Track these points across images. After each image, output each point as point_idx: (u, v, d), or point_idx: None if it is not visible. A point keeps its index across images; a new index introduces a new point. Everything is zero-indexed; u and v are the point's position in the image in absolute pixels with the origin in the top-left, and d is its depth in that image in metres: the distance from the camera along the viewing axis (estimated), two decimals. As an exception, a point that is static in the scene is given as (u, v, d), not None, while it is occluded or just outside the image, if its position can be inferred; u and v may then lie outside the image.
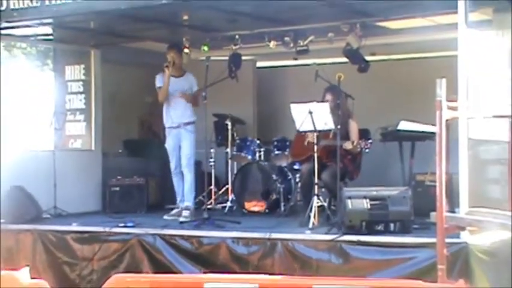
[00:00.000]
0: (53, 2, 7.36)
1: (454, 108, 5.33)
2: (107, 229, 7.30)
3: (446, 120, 5.12)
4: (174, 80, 8.08)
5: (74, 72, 9.32)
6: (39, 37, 9.13)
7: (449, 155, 6.10)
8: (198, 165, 8.82)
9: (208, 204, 8.21)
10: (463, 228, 5.37)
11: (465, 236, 5.69)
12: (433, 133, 5.28)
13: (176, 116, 8.07)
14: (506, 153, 5.14)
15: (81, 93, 9.27)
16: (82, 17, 7.74)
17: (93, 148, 9.26)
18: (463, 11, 5.77)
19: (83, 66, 9.31)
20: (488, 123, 5.80)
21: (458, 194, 5.62)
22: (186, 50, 8.81)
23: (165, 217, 7.98)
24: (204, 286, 4.57)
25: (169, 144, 8.16)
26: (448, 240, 5.24)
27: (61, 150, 8.92)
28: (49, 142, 8.95)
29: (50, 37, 9.11)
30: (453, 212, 5.67)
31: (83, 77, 9.29)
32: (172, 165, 8.15)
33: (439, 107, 4.91)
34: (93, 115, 9.23)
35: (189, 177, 8.04)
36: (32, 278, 5.22)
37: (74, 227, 7.53)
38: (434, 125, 5.23)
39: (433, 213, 5.03)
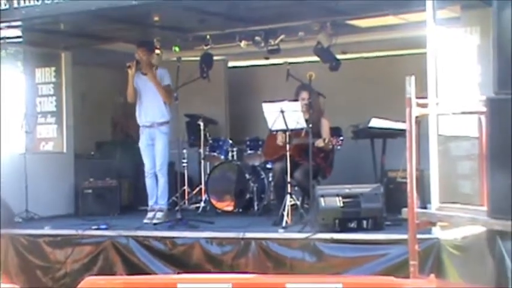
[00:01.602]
0: (22, 4, 7.30)
1: (424, 105, 5.38)
2: (80, 232, 7.25)
3: (416, 117, 5.16)
4: (145, 78, 8.02)
5: (45, 74, 9.25)
6: (8, 40, 9.03)
7: (420, 151, 6.17)
8: (171, 165, 8.78)
9: (182, 205, 8.19)
10: (434, 224, 5.42)
11: (437, 232, 5.75)
12: (404, 130, 5.32)
13: (149, 114, 8.01)
14: (476, 149, 5.20)
15: (52, 95, 9.20)
16: (51, 19, 7.66)
17: (64, 151, 9.19)
18: (431, 8, 5.83)
19: (53, 68, 9.24)
20: (458, 119, 5.87)
21: (429, 190, 5.69)
22: (157, 51, 8.77)
23: (145, 221, 7.89)
24: (177, 286, 4.57)
25: (142, 143, 8.08)
26: (420, 236, 5.28)
27: (32, 153, 8.84)
28: (20, 145, 8.86)
29: (20, 40, 9.02)
30: (425, 207, 5.72)
31: (53, 80, 9.22)
32: (147, 166, 8.05)
33: (409, 104, 4.94)
34: (64, 117, 9.16)
35: (162, 181, 7.99)
36: (3, 283, 5.16)
37: (46, 231, 7.46)
38: (405, 122, 5.28)
39: (404, 210, 5.08)
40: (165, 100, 7.94)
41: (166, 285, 4.85)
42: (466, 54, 6.32)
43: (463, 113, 5.30)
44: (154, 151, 8.01)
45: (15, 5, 7.29)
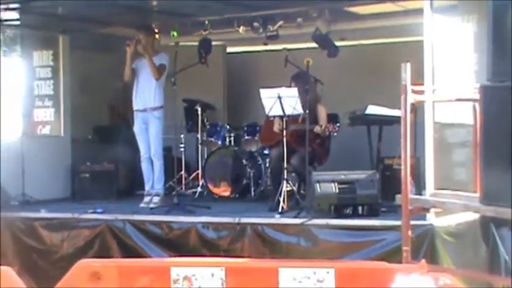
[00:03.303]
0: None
1: (421, 92, 5.39)
2: (76, 215, 7.28)
3: (412, 104, 5.17)
4: (145, 61, 8.01)
5: (43, 58, 9.21)
6: (6, 22, 9.01)
7: (416, 138, 6.19)
8: (168, 150, 8.81)
9: (179, 190, 8.21)
10: (428, 210, 5.46)
11: (431, 218, 5.79)
12: (400, 117, 5.33)
13: (144, 99, 8.02)
14: (471, 136, 5.22)
15: (49, 79, 9.17)
16: (49, 2, 7.65)
17: (62, 134, 9.18)
18: (428, -5, 5.83)
19: (51, 52, 9.20)
20: (454, 107, 5.88)
21: (425, 177, 5.72)
22: (155, 36, 8.75)
23: (141, 205, 7.92)
24: (170, 269, 4.60)
25: (136, 128, 8.10)
26: (414, 222, 5.32)
27: (29, 137, 8.85)
28: (17, 128, 8.86)
29: (18, 22, 9.00)
30: (420, 194, 5.75)
31: (51, 63, 9.19)
32: (142, 150, 8.10)
33: (404, 90, 4.95)
34: (61, 101, 9.14)
35: (158, 164, 8.02)
36: (-1, 265, 5.19)
37: (43, 214, 7.49)
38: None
39: (398, 196, 5.10)
40: (153, 75, 7.90)
41: (159, 268, 4.88)
42: (462, 42, 6.32)
43: (458, 100, 5.31)
44: (148, 136, 8.03)
45: (14, -13, 7.28)
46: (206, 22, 8.89)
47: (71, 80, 9.25)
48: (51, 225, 7.31)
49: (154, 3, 8.03)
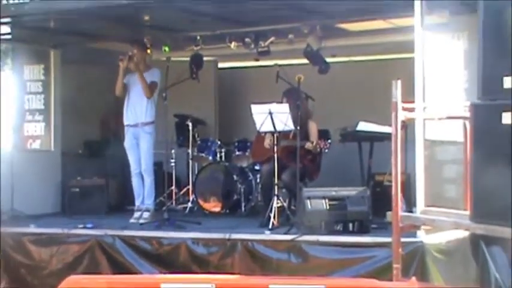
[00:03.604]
0: (11, 1, 7.28)
1: (411, 110, 5.41)
2: (66, 231, 7.23)
3: (403, 121, 5.19)
4: (136, 76, 8.01)
5: (33, 72, 9.19)
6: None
7: (406, 155, 6.20)
8: (159, 166, 8.79)
9: (169, 205, 8.19)
10: (418, 227, 5.46)
11: (421, 235, 5.78)
12: (391, 134, 5.34)
13: (135, 114, 8.00)
14: (462, 153, 5.24)
15: (40, 93, 9.15)
16: (41, 16, 7.64)
17: (52, 149, 9.14)
18: (419, 13, 5.87)
19: (42, 66, 9.18)
20: (445, 124, 5.91)
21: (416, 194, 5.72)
22: (148, 50, 8.77)
23: (131, 221, 7.88)
24: (160, 286, 4.57)
25: (127, 143, 8.07)
26: (404, 239, 5.32)
27: (19, 151, 8.81)
28: (7, 142, 8.81)
29: (9, 36, 8.99)
30: (411, 211, 5.75)
31: (42, 77, 9.17)
32: (132, 166, 8.07)
33: (395, 108, 4.97)
34: (52, 115, 9.11)
35: (148, 180, 7.99)
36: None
37: (32, 229, 7.43)
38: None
39: (389, 213, 5.10)
40: (145, 94, 7.91)
41: (149, 285, 4.86)
42: (453, 60, 6.36)
43: (449, 117, 5.33)
44: (139, 151, 8.01)
45: (5, 1, 7.27)
46: (198, 37, 8.91)
47: (61, 95, 9.23)
48: (40, 240, 7.25)
49: (146, 17, 8.04)
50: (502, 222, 4.32)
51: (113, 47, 9.23)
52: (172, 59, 8.08)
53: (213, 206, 8.60)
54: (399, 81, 5.01)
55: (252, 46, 8.77)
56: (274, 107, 7.15)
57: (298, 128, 7.11)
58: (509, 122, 4.25)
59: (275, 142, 7.22)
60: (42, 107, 9.13)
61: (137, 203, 8.08)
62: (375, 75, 9.27)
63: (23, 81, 9.19)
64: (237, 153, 9.01)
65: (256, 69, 10.18)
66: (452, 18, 6.36)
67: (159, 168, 8.73)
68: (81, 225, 7.35)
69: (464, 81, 6.31)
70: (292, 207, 7.53)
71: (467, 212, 4.61)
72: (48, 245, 7.19)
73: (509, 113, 4.25)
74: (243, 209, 8.43)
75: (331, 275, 5.96)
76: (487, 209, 4.38)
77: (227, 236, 6.55)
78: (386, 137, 7.05)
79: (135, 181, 8.07)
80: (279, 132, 7.21)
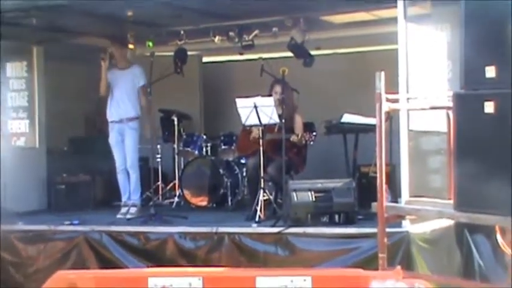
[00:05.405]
0: (-8, -2, 7.24)
1: (395, 101, 5.45)
2: (52, 227, 7.22)
3: (387, 112, 5.22)
4: (119, 72, 8.04)
5: (16, 69, 9.14)
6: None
7: (391, 146, 6.25)
8: (145, 161, 8.78)
9: (156, 200, 8.19)
10: (403, 217, 5.50)
11: (406, 225, 5.83)
12: (376, 125, 5.37)
13: (119, 110, 8.00)
14: (445, 143, 5.29)
15: (23, 90, 9.10)
16: (23, 13, 7.60)
17: (37, 146, 9.11)
18: (401, 5, 5.90)
19: (25, 63, 9.13)
20: (429, 115, 5.96)
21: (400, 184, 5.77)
22: (130, 46, 8.75)
23: (118, 216, 7.88)
24: (148, 280, 4.59)
25: (112, 139, 8.07)
26: (389, 229, 5.36)
27: (4, 149, 8.76)
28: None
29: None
30: (396, 202, 5.80)
31: (25, 74, 9.12)
32: (118, 162, 8.06)
33: (379, 99, 5.00)
34: (36, 112, 9.07)
35: (134, 177, 7.99)
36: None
37: (18, 226, 7.41)
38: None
39: (374, 204, 5.14)
40: (141, 102, 7.94)
41: (137, 279, 4.87)
42: (437, 51, 6.41)
43: (432, 108, 5.37)
44: (124, 147, 8.00)
45: (-14, -2, 7.23)
46: (182, 32, 8.91)
47: (45, 91, 9.18)
48: (26, 237, 7.24)
49: (130, 13, 8.01)
50: (485, 210, 4.38)
51: (97, 43, 9.19)
52: (156, 54, 8.06)
53: (200, 200, 8.61)
54: (383, 73, 5.03)
55: (236, 40, 8.78)
56: (259, 100, 7.16)
57: (284, 121, 7.14)
58: (492, 111, 4.30)
59: (260, 135, 7.23)
60: (26, 104, 9.09)
61: (124, 198, 8.09)
62: (358, 67, 9.30)
63: (6, 78, 9.13)
64: (223, 147, 9.01)
65: (240, 63, 10.17)
66: (435, 10, 6.41)
67: (145, 164, 8.72)
68: (67, 222, 7.34)
69: (448, 71, 6.36)
70: (279, 200, 7.56)
71: (451, 201, 4.66)
72: (36, 242, 7.18)
73: (492, 102, 4.30)
74: (229, 202, 8.44)
75: (318, 266, 6.00)
76: (470, 197, 4.43)
77: (214, 229, 6.57)
78: (371, 128, 7.08)
79: (121, 177, 8.07)
80: (264, 125, 7.23)
